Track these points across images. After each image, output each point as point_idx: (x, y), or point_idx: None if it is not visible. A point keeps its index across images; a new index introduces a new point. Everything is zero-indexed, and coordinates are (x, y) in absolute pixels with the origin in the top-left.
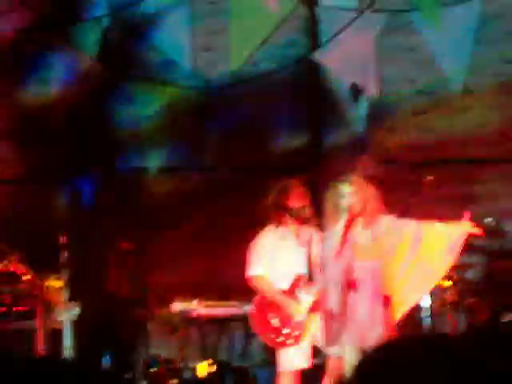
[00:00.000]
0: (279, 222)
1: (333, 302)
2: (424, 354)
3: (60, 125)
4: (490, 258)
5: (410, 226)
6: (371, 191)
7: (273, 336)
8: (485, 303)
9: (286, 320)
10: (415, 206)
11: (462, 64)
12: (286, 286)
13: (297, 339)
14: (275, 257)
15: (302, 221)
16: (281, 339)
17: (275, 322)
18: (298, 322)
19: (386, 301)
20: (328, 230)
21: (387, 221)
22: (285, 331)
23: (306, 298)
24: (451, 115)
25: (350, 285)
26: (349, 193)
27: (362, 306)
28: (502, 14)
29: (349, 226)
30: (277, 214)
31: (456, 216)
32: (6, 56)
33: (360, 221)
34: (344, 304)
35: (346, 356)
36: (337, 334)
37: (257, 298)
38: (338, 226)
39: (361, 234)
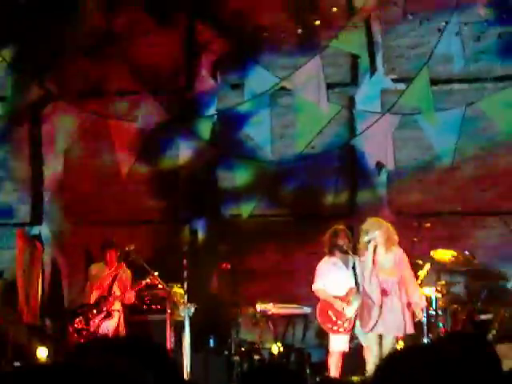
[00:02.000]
0: (332, 254)
1: (375, 303)
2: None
3: (184, 184)
4: (467, 278)
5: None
6: (387, 227)
7: (330, 325)
8: (464, 308)
9: (340, 316)
10: (417, 243)
11: (450, 148)
12: (341, 294)
13: (346, 329)
14: (331, 276)
15: (346, 252)
16: (335, 328)
17: (333, 316)
18: (348, 318)
19: (408, 305)
20: (362, 256)
21: (400, 256)
22: (339, 322)
23: (355, 303)
24: (442, 183)
25: (383, 292)
26: (370, 229)
27: (392, 307)
28: (476, 117)
29: (374, 253)
30: (330, 248)
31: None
32: (149, 139)
33: (381, 248)
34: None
35: (371, 345)
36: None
37: (321, 301)
38: (369, 254)
39: (384, 258)
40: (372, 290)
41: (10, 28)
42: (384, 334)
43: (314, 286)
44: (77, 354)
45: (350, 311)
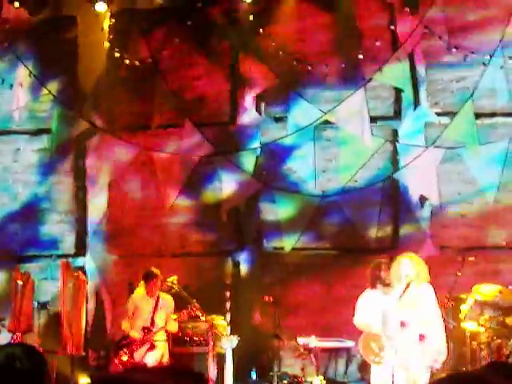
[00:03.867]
0: (374, 287)
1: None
2: None
3: (227, 216)
4: (510, 312)
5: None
6: (422, 264)
7: (373, 357)
8: (506, 343)
9: (382, 348)
10: (461, 277)
11: (494, 182)
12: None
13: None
14: (372, 309)
15: (388, 285)
16: (377, 359)
17: (375, 348)
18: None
19: (422, 337)
20: (393, 288)
21: (426, 291)
22: (381, 354)
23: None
24: (486, 217)
25: (401, 324)
26: (406, 264)
27: (410, 339)
28: None
29: (406, 287)
30: (372, 281)
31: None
32: (193, 172)
33: (413, 284)
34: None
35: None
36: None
37: (363, 334)
38: (400, 287)
39: (413, 292)
40: (387, 322)
41: (56, 61)
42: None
43: (355, 320)
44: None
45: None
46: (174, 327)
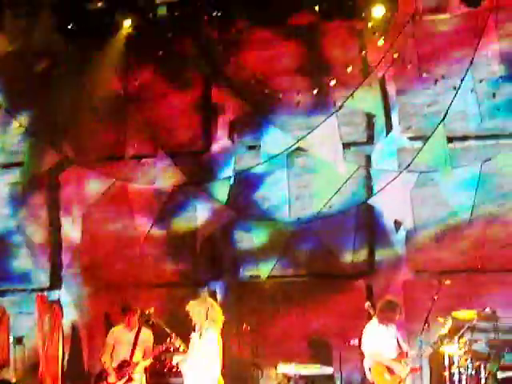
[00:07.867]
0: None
1: None
2: None
3: (202, 246)
4: (489, 335)
5: None
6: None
7: None
8: (486, 366)
9: (396, 378)
10: (438, 300)
11: (467, 205)
12: (393, 356)
13: None
14: (381, 340)
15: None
16: None
17: (388, 377)
18: (403, 379)
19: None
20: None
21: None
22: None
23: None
24: (461, 240)
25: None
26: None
27: None
28: (493, 174)
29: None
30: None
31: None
32: (167, 202)
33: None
34: None
35: None
36: None
37: (374, 362)
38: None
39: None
40: None
41: (26, 94)
42: None
43: (362, 347)
44: None
45: (404, 371)
46: (149, 361)
